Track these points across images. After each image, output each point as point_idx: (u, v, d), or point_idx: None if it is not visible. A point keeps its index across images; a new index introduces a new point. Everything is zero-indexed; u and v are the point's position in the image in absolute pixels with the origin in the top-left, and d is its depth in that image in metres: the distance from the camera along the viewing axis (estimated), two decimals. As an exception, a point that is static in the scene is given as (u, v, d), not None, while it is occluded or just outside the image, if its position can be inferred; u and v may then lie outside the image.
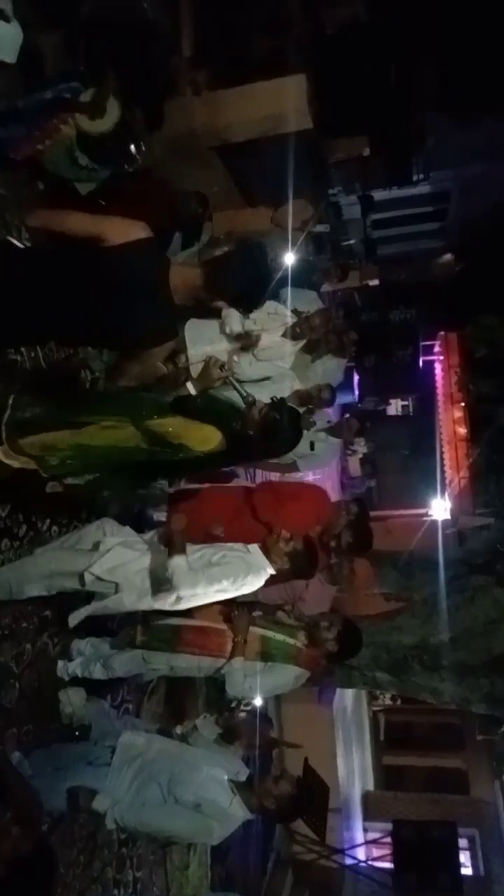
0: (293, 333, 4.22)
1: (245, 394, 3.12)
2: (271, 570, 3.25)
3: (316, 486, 3.92)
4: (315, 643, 3.51)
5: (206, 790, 2.92)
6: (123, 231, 2.37)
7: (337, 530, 3.63)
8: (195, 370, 3.47)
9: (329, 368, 4.94)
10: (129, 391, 2.83)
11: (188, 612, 3.40)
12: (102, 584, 3.15)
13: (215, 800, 2.91)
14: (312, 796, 5.77)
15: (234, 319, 4.10)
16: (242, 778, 3.09)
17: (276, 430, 2.95)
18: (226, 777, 3.05)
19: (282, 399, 3.15)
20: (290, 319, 4.23)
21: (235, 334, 4.09)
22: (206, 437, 2.82)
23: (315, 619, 3.62)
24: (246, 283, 2.52)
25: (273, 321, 4.16)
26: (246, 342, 4.08)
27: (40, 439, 2.82)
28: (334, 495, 4.44)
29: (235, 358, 4.15)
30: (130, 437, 2.83)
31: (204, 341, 4.18)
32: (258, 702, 3.58)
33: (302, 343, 4.30)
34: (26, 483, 3.10)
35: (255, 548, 3.30)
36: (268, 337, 4.11)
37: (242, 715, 3.98)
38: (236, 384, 3.30)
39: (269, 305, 4.25)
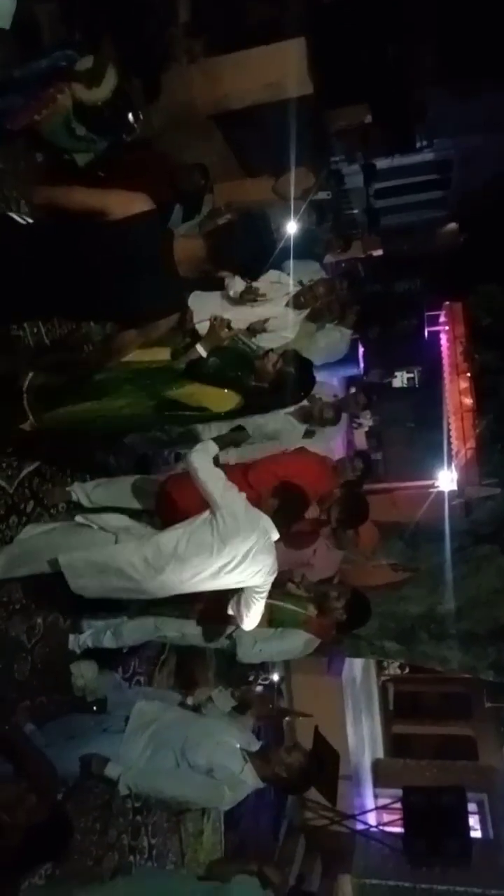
0: (297, 302, 4.18)
1: (254, 348, 3.13)
2: (276, 535, 3.23)
3: (319, 458, 3.77)
4: (324, 613, 3.53)
5: (219, 756, 2.95)
6: (126, 204, 2.35)
7: (334, 499, 3.61)
8: (202, 330, 3.45)
9: (332, 341, 4.91)
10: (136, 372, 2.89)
11: None
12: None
13: (227, 765, 2.94)
14: (322, 767, 5.85)
15: (237, 282, 4.06)
16: (254, 749, 3.14)
17: (290, 381, 3.10)
18: (238, 745, 3.08)
19: (294, 351, 3.18)
20: (293, 289, 4.19)
21: (240, 294, 4.04)
22: (223, 399, 2.95)
23: (324, 589, 3.65)
24: (249, 252, 2.49)
25: (276, 290, 4.11)
26: (251, 296, 4.03)
27: (67, 412, 2.91)
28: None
29: (241, 336, 4.12)
30: (152, 405, 2.97)
31: (207, 313, 4.14)
32: (275, 676, 3.62)
33: (305, 313, 4.25)
34: (34, 452, 3.14)
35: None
36: (271, 307, 4.06)
37: (259, 689, 4.04)
38: (245, 339, 3.30)
39: (272, 274, 4.20)
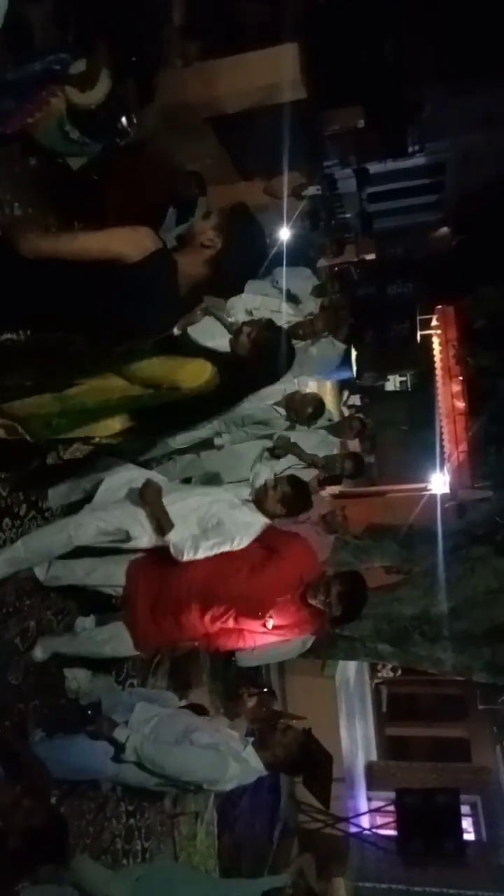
0: (295, 333, 4.20)
1: (230, 322, 3.09)
2: (265, 520, 3.30)
3: (301, 540, 3.52)
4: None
5: (222, 736, 3.06)
6: (138, 244, 2.30)
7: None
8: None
9: (325, 352, 4.93)
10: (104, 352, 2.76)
11: None
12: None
13: (230, 744, 3.03)
14: (316, 768, 5.85)
15: (238, 312, 4.10)
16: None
17: (270, 348, 2.86)
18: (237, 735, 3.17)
19: (269, 320, 3.07)
20: (293, 318, 4.21)
21: (241, 324, 4.06)
22: (196, 371, 2.67)
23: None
24: (245, 275, 2.52)
25: (277, 320, 4.14)
26: None
27: (22, 404, 2.73)
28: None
29: None
30: (118, 389, 2.71)
31: (208, 336, 4.16)
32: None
33: (303, 344, 4.28)
34: (26, 460, 3.09)
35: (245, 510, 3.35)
36: None
37: (251, 703, 4.06)
38: (218, 314, 3.27)
39: (273, 304, 4.23)
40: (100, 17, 3.92)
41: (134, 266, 2.27)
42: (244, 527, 3.27)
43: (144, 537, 3.21)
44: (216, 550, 3.17)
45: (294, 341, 4.34)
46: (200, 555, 3.14)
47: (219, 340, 4.11)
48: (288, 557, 3.25)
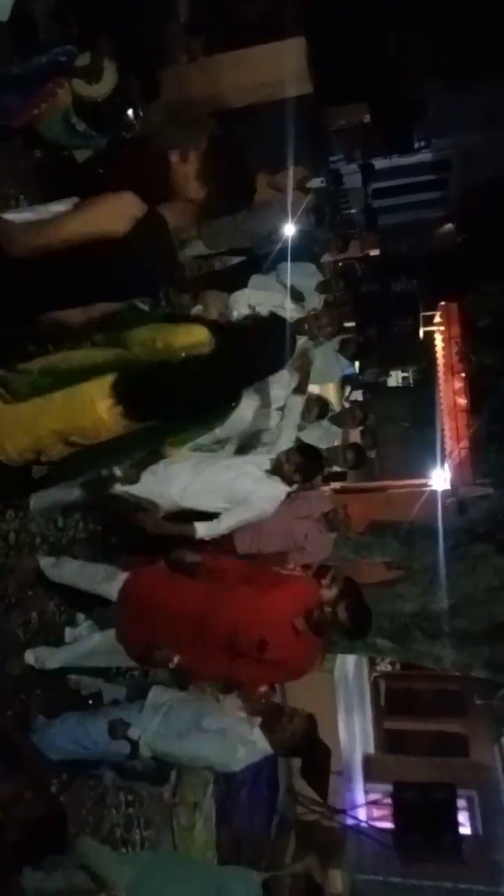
0: (300, 329, 4.21)
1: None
2: (285, 487, 3.41)
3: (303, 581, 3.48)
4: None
5: (230, 719, 3.12)
6: (124, 215, 2.30)
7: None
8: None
9: (329, 363, 4.98)
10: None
11: None
12: None
13: (238, 727, 3.11)
14: (314, 761, 5.89)
15: (242, 306, 4.11)
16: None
17: (273, 334, 2.92)
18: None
19: (272, 312, 3.17)
20: (296, 315, 4.22)
21: (243, 317, 4.08)
22: (190, 330, 2.66)
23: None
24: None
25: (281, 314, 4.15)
26: None
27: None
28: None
29: None
30: (106, 355, 2.70)
31: None
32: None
33: (305, 339, 4.29)
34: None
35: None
36: None
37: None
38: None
39: (277, 299, 4.24)
40: (105, 11, 3.91)
41: (124, 240, 2.27)
42: (270, 499, 3.42)
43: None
44: (243, 522, 3.40)
45: (298, 337, 4.36)
46: (227, 528, 3.35)
47: None
48: (285, 593, 3.26)
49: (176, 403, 2.64)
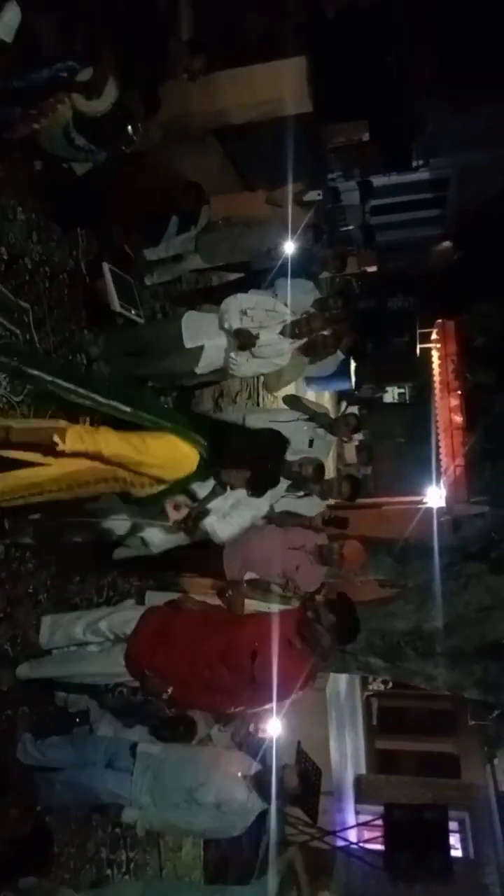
0: (292, 332, 4.22)
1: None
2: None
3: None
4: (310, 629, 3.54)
5: (225, 790, 3.07)
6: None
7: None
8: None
9: (322, 361, 4.95)
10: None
11: (184, 589, 3.59)
12: None
13: (234, 798, 3.08)
14: (308, 780, 5.85)
15: (232, 315, 4.10)
16: (255, 770, 3.23)
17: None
18: (240, 773, 3.19)
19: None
20: (288, 317, 4.22)
21: (234, 330, 4.08)
22: (186, 458, 2.72)
23: (311, 594, 3.71)
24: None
25: (271, 318, 4.16)
26: (246, 341, 4.07)
27: None
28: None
29: (233, 355, 4.16)
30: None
31: (202, 336, 4.18)
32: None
33: (299, 343, 4.29)
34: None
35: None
36: (266, 334, 4.11)
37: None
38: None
39: (269, 303, 4.25)
40: (107, 28, 3.93)
41: None
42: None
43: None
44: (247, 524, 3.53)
45: (295, 356, 4.37)
46: (233, 531, 3.49)
47: (215, 340, 4.14)
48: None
49: None
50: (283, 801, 3.21)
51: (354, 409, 11.97)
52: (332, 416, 4.88)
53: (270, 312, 4.19)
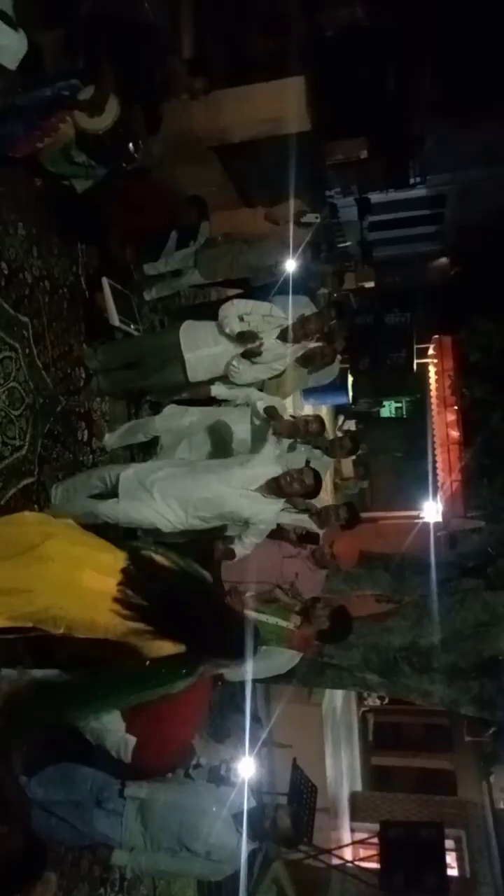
0: (289, 337, 4.23)
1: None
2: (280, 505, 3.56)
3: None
4: (309, 620, 3.62)
5: (215, 837, 3.04)
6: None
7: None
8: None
9: (320, 372, 4.97)
10: None
11: None
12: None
13: (224, 844, 3.06)
14: (298, 820, 5.81)
15: (232, 320, 4.11)
16: (250, 804, 3.22)
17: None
18: (231, 815, 3.15)
19: None
20: (285, 322, 4.24)
21: (235, 334, 4.10)
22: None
23: (310, 599, 3.74)
24: None
25: (268, 323, 4.17)
26: (250, 343, 4.09)
27: None
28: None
29: (235, 363, 4.18)
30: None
31: (201, 344, 4.19)
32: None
33: (297, 346, 4.30)
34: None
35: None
36: (263, 339, 4.12)
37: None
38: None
39: (264, 308, 4.26)
40: (109, 46, 3.97)
41: None
42: (271, 518, 3.58)
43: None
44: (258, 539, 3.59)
45: (294, 368, 4.38)
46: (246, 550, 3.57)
47: (213, 348, 4.16)
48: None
49: None
50: (275, 842, 3.23)
51: (351, 424, 12.01)
52: (328, 427, 4.89)
53: (267, 317, 4.21)
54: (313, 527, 4.16)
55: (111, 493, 3.50)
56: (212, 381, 4.33)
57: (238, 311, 4.19)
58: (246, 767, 3.85)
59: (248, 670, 3.74)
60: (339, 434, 11.70)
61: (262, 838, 3.25)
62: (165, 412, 4.34)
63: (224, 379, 4.32)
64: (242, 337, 4.09)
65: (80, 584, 2.08)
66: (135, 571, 2.15)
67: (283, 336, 4.19)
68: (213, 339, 4.17)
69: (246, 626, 2.39)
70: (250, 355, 4.10)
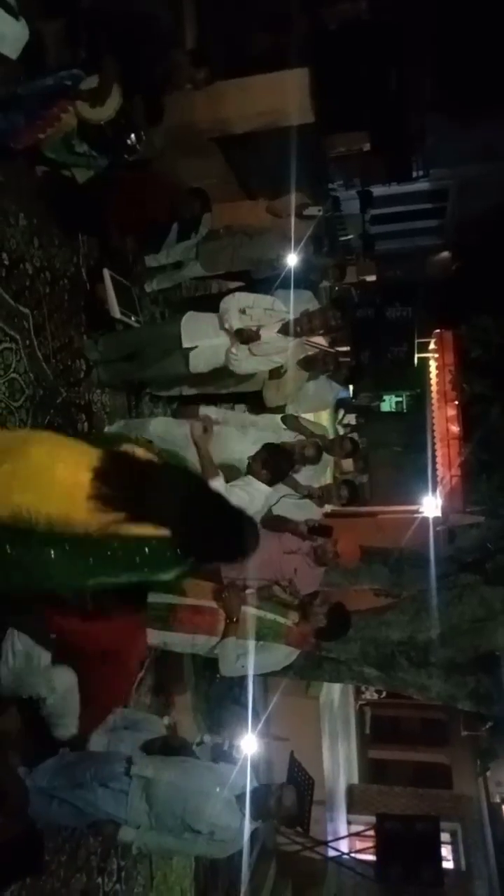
0: (293, 331, 4.23)
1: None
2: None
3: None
4: (306, 618, 3.64)
5: (219, 817, 3.07)
6: None
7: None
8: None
9: (321, 391, 5.04)
10: None
11: (182, 591, 3.55)
12: None
13: (228, 825, 3.09)
14: (302, 798, 5.85)
15: (232, 315, 4.11)
16: (253, 784, 3.24)
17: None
18: (234, 796, 3.18)
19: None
20: (286, 315, 4.24)
21: (235, 330, 4.10)
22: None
23: (308, 596, 3.74)
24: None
25: (270, 317, 4.17)
26: (247, 337, 4.08)
27: None
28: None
29: (234, 350, 4.17)
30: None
31: (202, 336, 4.19)
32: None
33: (296, 341, 4.31)
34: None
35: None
36: (265, 332, 4.12)
37: None
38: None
39: (266, 301, 4.26)
40: (112, 36, 3.95)
41: None
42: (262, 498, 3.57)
43: None
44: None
45: (295, 371, 4.40)
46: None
47: (214, 340, 4.16)
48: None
49: None
50: (278, 821, 3.26)
51: (352, 418, 12.01)
52: (329, 424, 4.92)
53: (269, 311, 4.22)
54: (316, 510, 4.19)
55: None
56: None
57: (240, 304, 4.19)
58: (248, 745, 3.86)
59: (246, 665, 3.78)
60: (340, 428, 11.73)
61: (265, 817, 3.27)
62: (159, 425, 4.23)
63: (223, 377, 4.32)
64: (241, 334, 4.09)
65: (54, 477, 1.98)
66: (110, 463, 2.04)
67: (284, 330, 4.19)
68: (213, 331, 4.17)
69: (245, 521, 2.21)
70: (248, 341, 4.09)
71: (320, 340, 5.19)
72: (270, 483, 3.53)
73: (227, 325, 4.11)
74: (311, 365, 4.50)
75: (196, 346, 4.15)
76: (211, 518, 2.10)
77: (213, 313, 4.22)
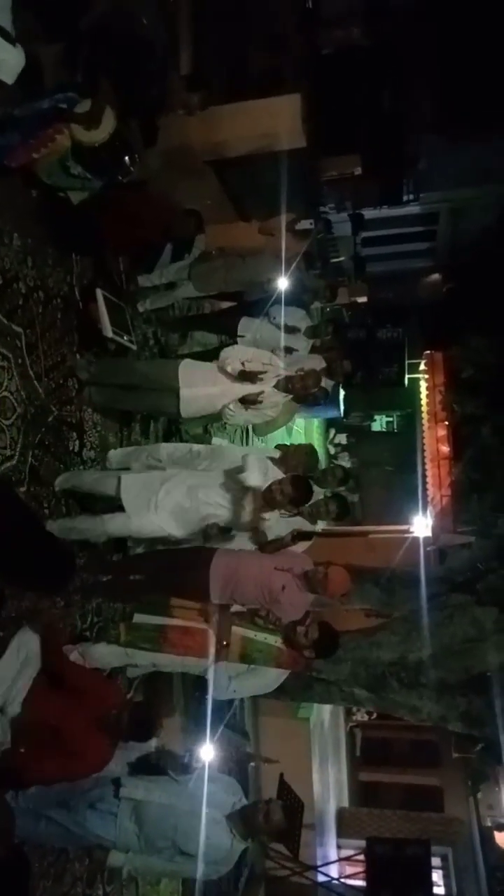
0: (285, 387, 4.29)
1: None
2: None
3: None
4: (290, 643, 3.60)
5: (209, 837, 3.04)
6: None
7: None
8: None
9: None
10: None
11: (171, 613, 3.56)
12: None
13: (218, 845, 3.08)
14: (290, 813, 5.77)
15: (234, 361, 4.17)
16: (242, 804, 3.24)
17: None
18: (223, 816, 3.16)
19: None
20: (282, 371, 4.29)
21: (237, 373, 4.14)
22: None
23: (292, 623, 3.69)
24: None
25: (267, 371, 4.23)
26: (249, 397, 4.18)
27: None
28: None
29: (231, 406, 4.23)
30: None
31: (199, 383, 4.23)
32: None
33: (290, 397, 4.38)
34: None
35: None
36: (261, 386, 4.19)
37: None
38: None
39: (265, 356, 4.31)
40: (108, 60, 4.01)
41: None
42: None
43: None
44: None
45: (286, 403, 4.45)
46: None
47: (211, 389, 4.21)
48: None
49: None
50: (268, 837, 3.19)
51: (343, 437, 12.05)
52: (319, 444, 4.94)
53: (266, 365, 4.28)
54: (307, 525, 4.19)
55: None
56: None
57: (240, 357, 4.27)
58: (207, 754, 3.78)
59: (238, 689, 3.77)
60: (331, 447, 11.75)
61: (255, 834, 3.23)
62: (174, 451, 4.28)
63: (214, 419, 4.40)
64: (244, 376, 4.14)
65: None
66: None
67: (279, 386, 4.25)
68: (212, 380, 4.23)
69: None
70: (250, 403, 4.16)
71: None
72: (289, 508, 3.76)
73: (229, 369, 4.18)
74: (301, 399, 4.56)
75: (190, 392, 4.20)
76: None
77: (211, 364, 4.28)
